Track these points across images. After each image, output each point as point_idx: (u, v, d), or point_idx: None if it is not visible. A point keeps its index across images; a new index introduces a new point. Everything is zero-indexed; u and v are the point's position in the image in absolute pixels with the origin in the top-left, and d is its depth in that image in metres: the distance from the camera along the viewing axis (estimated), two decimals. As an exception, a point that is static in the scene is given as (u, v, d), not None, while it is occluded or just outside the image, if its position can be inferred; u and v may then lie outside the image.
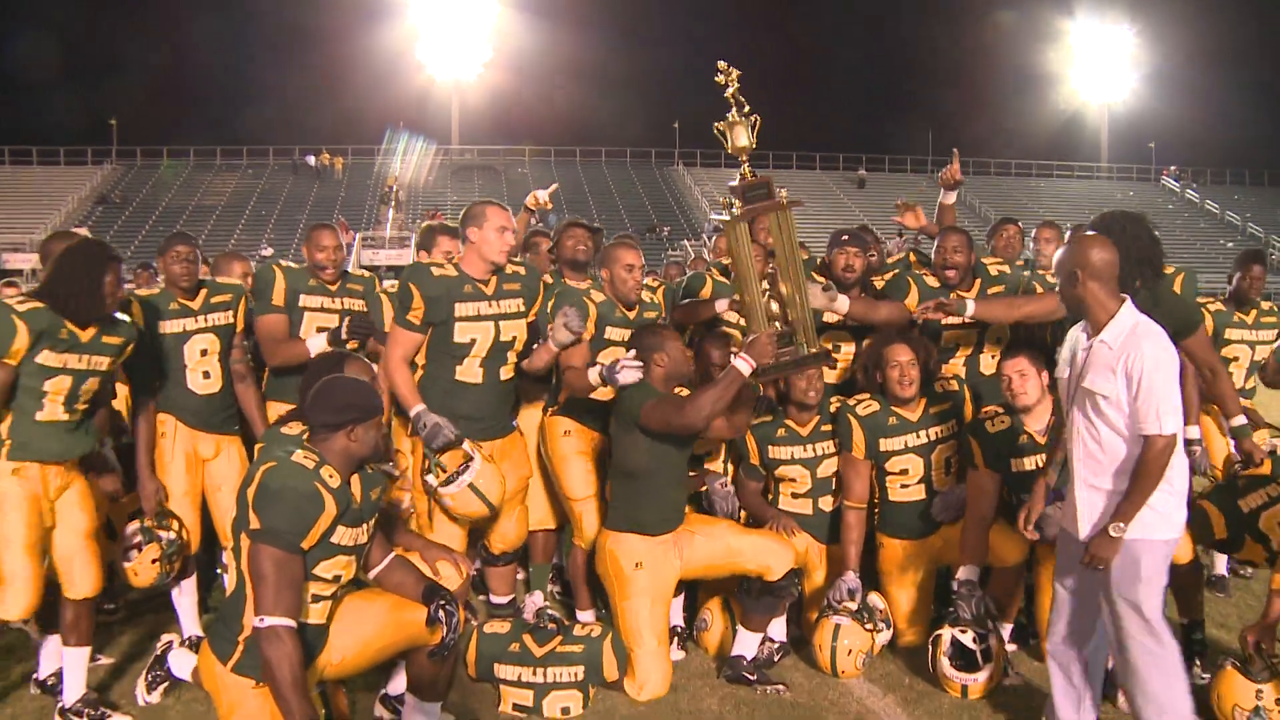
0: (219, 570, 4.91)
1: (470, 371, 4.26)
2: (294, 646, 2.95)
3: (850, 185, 46.63)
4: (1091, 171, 53.87)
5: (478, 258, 4.25)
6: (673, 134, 51.88)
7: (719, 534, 4.30)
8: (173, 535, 4.25)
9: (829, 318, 4.78)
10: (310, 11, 78.18)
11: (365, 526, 3.29)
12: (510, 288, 4.33)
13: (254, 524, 3.01)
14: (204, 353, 4.50)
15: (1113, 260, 3.35)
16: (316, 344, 4.54)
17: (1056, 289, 3.48)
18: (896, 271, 5.27)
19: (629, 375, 4.06)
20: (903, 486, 4.57)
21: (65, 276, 3.72)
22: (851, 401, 4.60)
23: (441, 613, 3.26)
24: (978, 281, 4.91)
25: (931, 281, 4.91)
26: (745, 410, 4.38)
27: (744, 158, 3.95)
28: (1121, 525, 3.24)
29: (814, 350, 4.10)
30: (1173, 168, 52.25)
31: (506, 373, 4.38)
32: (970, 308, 4.50)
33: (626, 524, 4.14)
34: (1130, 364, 3.22)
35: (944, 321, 4.79)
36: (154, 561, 4.17)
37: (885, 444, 4.52)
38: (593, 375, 4.24)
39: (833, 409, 4.63)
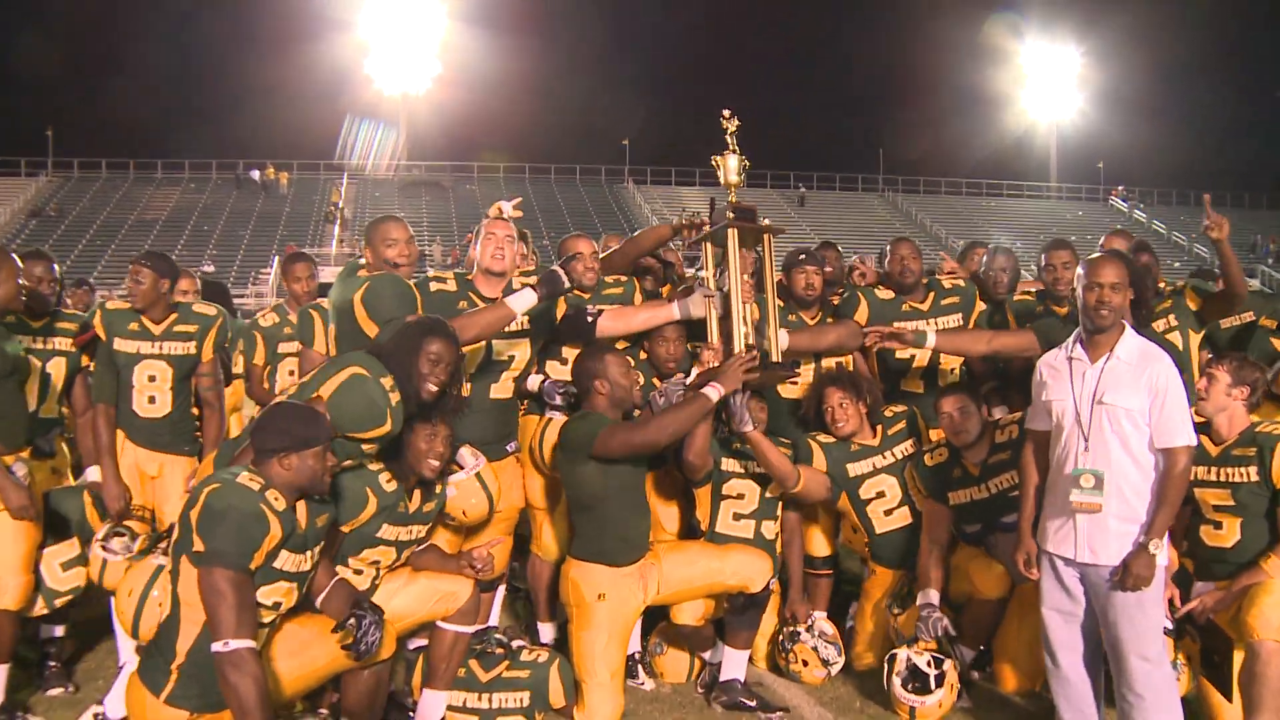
0: None
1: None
2: (259, 669, 2.88)
3: (794, 203, 47.03)
4: (1041, 191, 55.12)
5: (478, 270, 4.24)
6: (622, 151, 52.09)
7: (694, 556, 4.20)
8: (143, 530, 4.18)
9: None
10: (257, 23, 77.63)
11: (309, 554, 3.21)
12: None
13: (198, 546, 2.89)
14: (151, 379, 4.39)
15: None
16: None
17: (1095, 303, 3.41)
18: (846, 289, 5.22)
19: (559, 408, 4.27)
20: (886, 513, 4.52)
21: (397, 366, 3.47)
22: (813, 433, 4.57)
23: (352, 619, 3.26)
24: (931, 294, 4.91)
25: (883, 295, 4.90)
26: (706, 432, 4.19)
27: (732, 190, 4.24)
28: (1158, 541, 3.29)
29: (780, 362, 4.13)
30: (1120, 188, 53.56)
31: (499, 391, 4.25)
32: (930, 339, 4.39)
33: (590, 554, 4.01)
34: (1155, 379, 3.32)
35: (896, 354, 4.79)
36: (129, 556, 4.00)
37: (854, 468, 4.49)
38: (533, 383, 4.37)
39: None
